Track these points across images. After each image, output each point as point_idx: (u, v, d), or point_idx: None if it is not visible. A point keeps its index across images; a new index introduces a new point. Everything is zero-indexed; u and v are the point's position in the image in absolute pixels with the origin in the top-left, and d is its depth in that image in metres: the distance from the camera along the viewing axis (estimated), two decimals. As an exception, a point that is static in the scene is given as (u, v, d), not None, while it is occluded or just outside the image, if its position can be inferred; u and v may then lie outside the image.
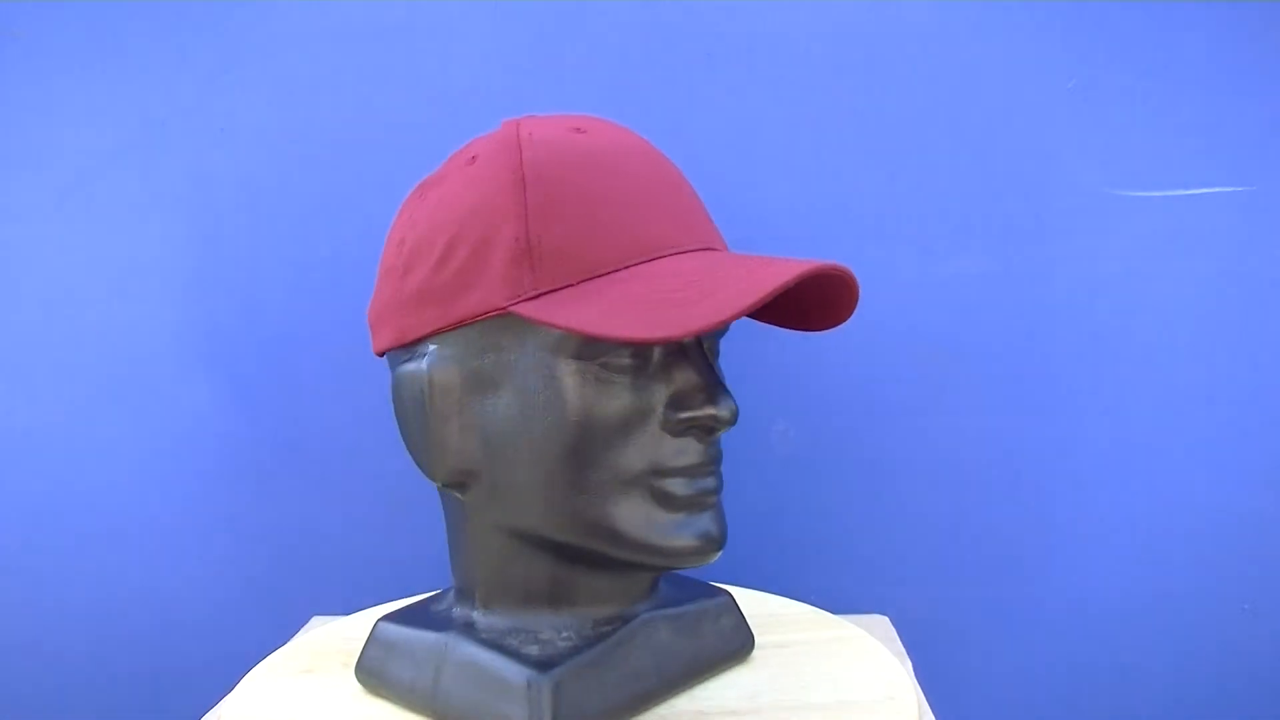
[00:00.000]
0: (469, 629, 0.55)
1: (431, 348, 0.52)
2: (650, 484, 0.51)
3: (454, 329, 0.51)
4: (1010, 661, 0.84)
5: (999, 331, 0.81)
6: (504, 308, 0.49)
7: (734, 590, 0.73)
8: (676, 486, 0.51)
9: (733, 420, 0.50)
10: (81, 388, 0.84)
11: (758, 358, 0.80)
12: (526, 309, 0.48)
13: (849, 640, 0.66)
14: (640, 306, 0.46)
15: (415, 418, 0.53)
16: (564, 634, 0.54)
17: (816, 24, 0.79)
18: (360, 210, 0.81)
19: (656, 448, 0.51)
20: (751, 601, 0.70)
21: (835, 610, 0.71)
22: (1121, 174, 0.79)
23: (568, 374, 0.50)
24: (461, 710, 0.52)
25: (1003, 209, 0.80)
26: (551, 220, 0.49)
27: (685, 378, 0.51)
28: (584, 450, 0.50)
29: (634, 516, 0.51)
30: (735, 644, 0.61)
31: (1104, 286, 0.80)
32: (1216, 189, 0.79)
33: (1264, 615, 0.83)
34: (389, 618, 0.59)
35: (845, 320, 0.53)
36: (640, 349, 0.50)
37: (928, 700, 0.62)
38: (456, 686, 0.53)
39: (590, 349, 0.49)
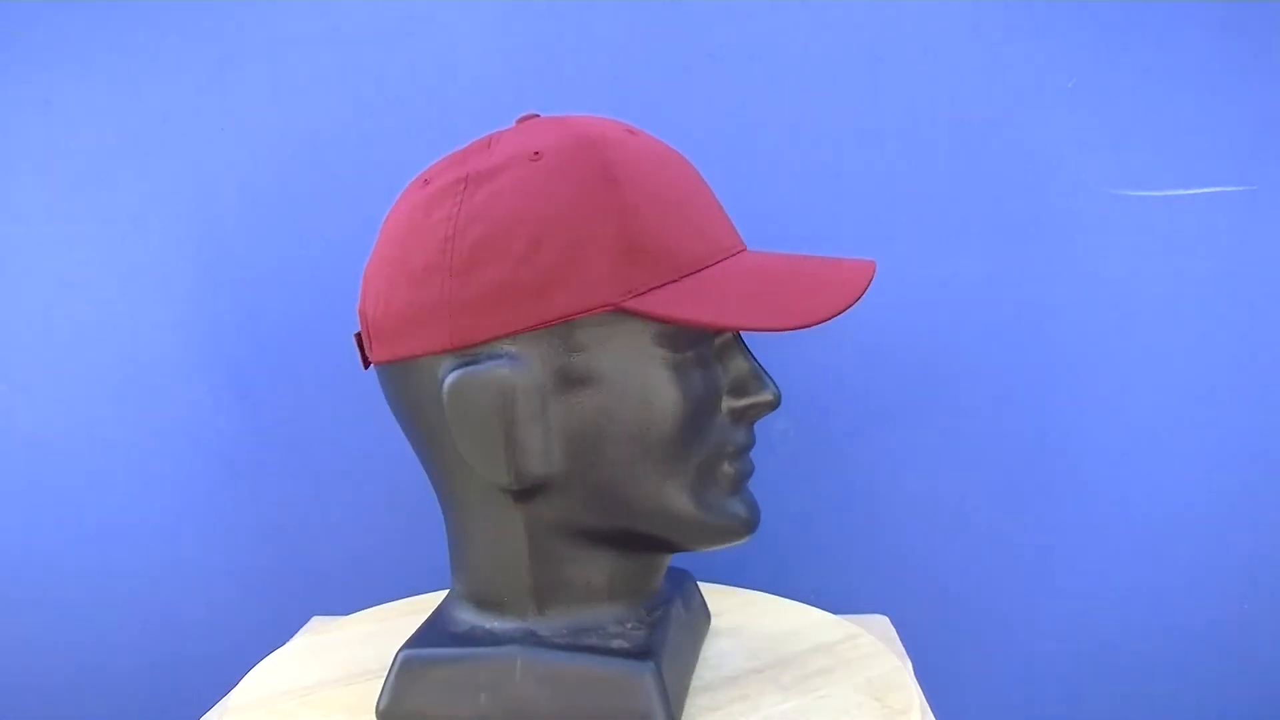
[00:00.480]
0: (532, 637, 0.54)
1: (508, 348, 0.50)
2: (719, 467, 0.54)
3: (537, 328, 0.50)
4: (1010, 661, 0.84)
5: (999, 331, 0.81)
6: (616, 304, 0.49)
7: (732, 590, 0.73)
8: (728, 468, 0.54)
9: (779, 404, 0.54)
10: (81, 388, 0.84)
11: (757, 358, 0.80)
12: (640, 304, 0.49)
13: (764, 603, 0.71)
14: (762, 299, 0.50)
15: (486, 423, 0.51)
16: (629, 624, 0.55)
17: (817, 24, 0.79)
18: (360, 210, 0.81)
19: (721, 432, 0.54)
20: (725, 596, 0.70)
21: (835, 610, 0.71)
22: (1121, 174, 0.79)
23: (663, 367, 0.51)
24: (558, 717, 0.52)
25: (1003, 209, 0.80)
26: (651, 218, 0.51)
27: (740, 366, 0.55)
28: (676, 439, 0.52)
29: (710, 499, 0.54)
30: (705, 618, 0.65)
31: (1104, 286, 0.80)
32: (1216, 189, 0.79)
33: (1263, 615, 0.83)
34: (415, 645, 0.55)
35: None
36: (705, 340, 0.53)
37: (928, 700, 0.62)
38: (544, 698, 0.52)
39: (678, 341, 0.51)
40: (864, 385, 0.82)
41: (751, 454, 0.56)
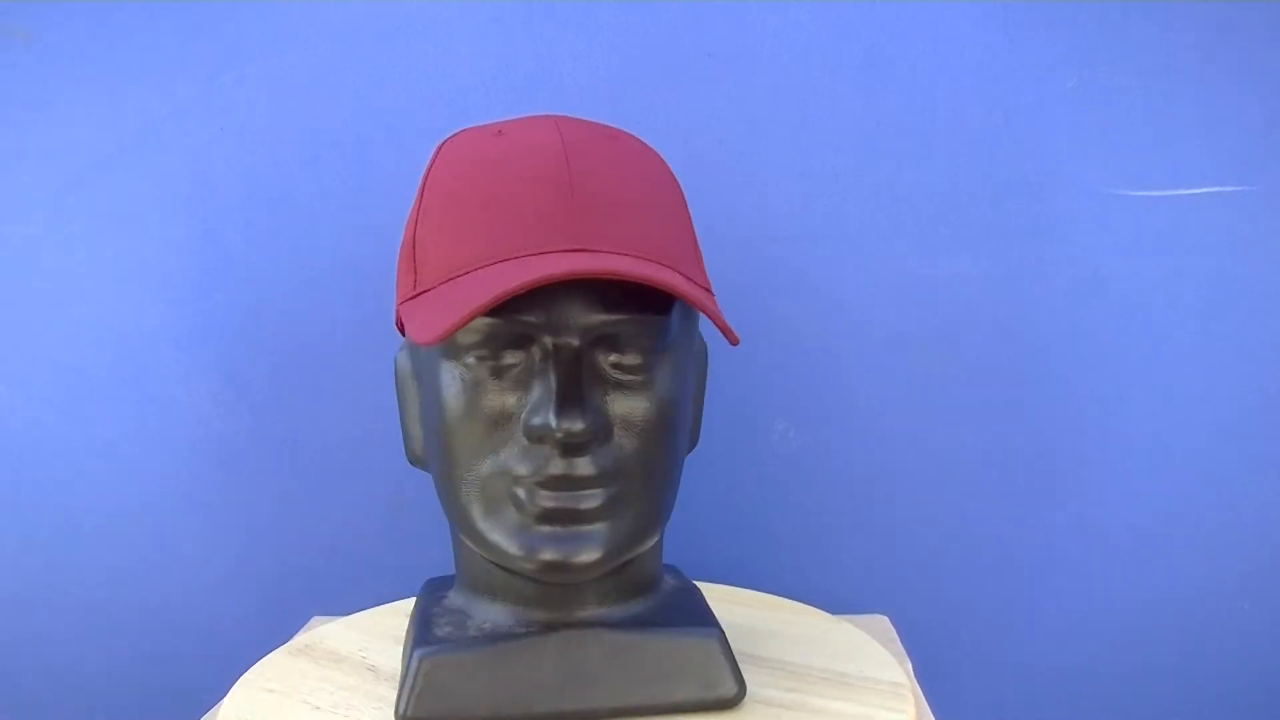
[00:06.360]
0: (436, 603, 0.58)
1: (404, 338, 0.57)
2: (511, 490, 0.50)
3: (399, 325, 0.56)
4: (1010, 661, 0.84)
5: (999, 331, 0.81)
6: (395, 308, 0.54)
7: (731, 590, 0.73)
8: (527, 496, 0.50)
9: (576, 437, 0.48)
10: (81, 388, 0.84)
11: (758, 358, 0.80)
12: (402, 309, 0.52)
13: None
14: (446, 308, 0.46)
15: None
16: (484, 624, 0.55)
17: (817, 24, 0.79)
18: (360, 210, 0.81)
19: (516, 454, 0.50)
20: (787, 622, 0.70)
21: (835, 610, 0.71)
22: (1121, 174, 0.79)
23: (446, 371, 0.51)
24: (399, 674, 0.56)
25: (1003, 209, 0.80)
26: (428, 225, 0.52)
27: (543, 385, 0.49)
28: (454, 445, 0.51)
29: (494, 520, 0.51)
30: (708, 689, 0.54)
31: (1104, 286, 0.80)
32: (1216, 189, 0.79)
33: (1263, 615, 0.83)
34: (430, 580, 0.63)
35: (728, 338, 0.49)
36: (519, 350, 0.50)
37: (927, 700, 0.62)
38: (404, 651, 0.57)
39: (455, 347, 0.50)
40: (864, 386, 0.82)
41: (594, 491, 0.50)
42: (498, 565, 0.54)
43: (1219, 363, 0.80)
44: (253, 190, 0.82)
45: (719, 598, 0.70)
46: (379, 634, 0.67)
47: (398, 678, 0.58)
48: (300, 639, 0.67)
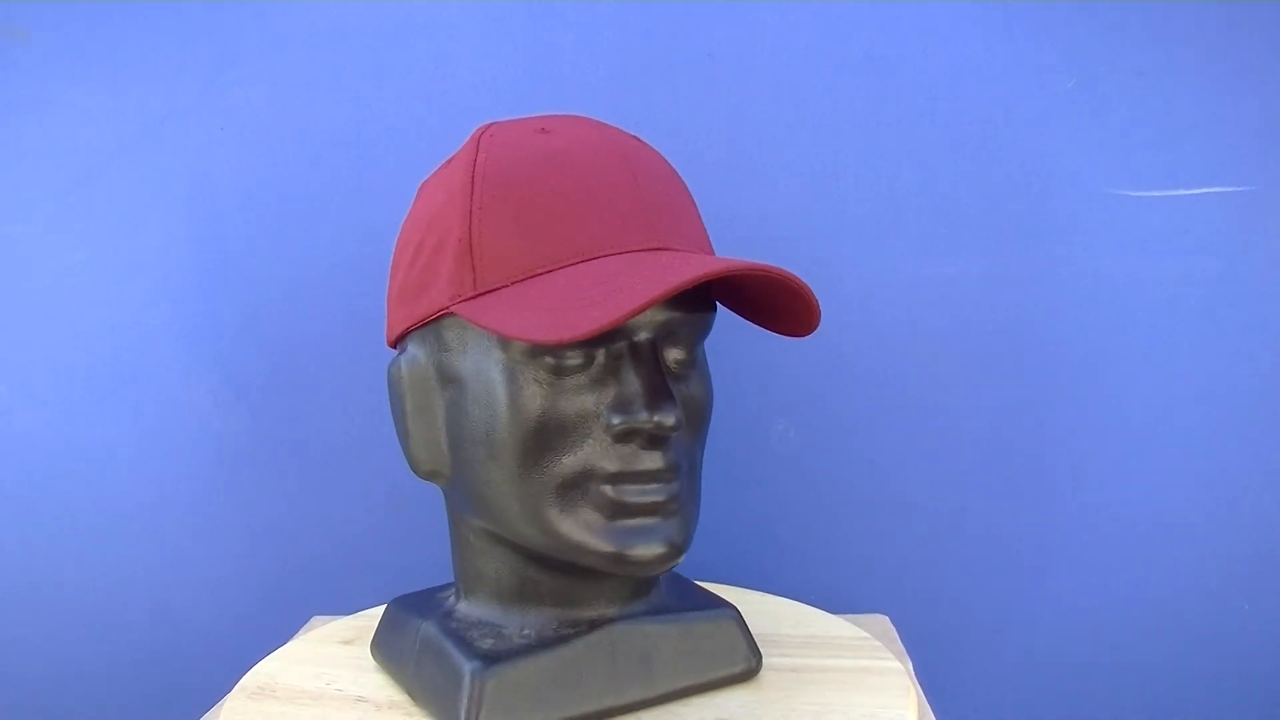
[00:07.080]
0: (446, 617, 0.57)
1: (408, 344, 0.55)
2: (590, 488, 0.50)
3: (420, 327, 0.54)
4: (1010, 661, 0.84)
5: (999, 331, 0.81)
6: (446, 307, 0.51)
7: (733, 590, 0.73)
8: (614, 492, 0.50)
9: (670, 429, 0.48)
10: (81, 388, 0.84)
11: (758, 357, 0.80)
12: (463, 309, 0.50)
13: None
14: (551, 308, 0.46)
15: (395, 411, 0.56)
16: (525, 631, 0.54)
17: (817, 23, 0.79)
18: (360, 210, 0.81)
19: (596, 451, 0.50)
20: (755, 606, 0.70)
21: (835, 610, 0.71)
22: (1121, 174, 0.79)
23: (505, 373, 0.50)
24: (426, 693, 0.55)
25: (1003, 209, 0.80)
26: (491, 222, 0.50)
27: (628, 381, 0.50)
28: (521, 448, 0.50)
29: (572, 519, 0.50)
30: (734, 664, 0.57)
31: (1104, 286, 0.80)
32: (1216, 189, 0.79)
33: (1263, 615, 0.83)
34: (399, 599, 0.62)
35: (811, 329, 0.52)
36: (587, 349, 0.50)
37: (928, 700, 0.62)
38: (424, 670, 0.55)
39: (525, 349, 0.49)
40: (864, 385, 0.82)
41: (676, 481, 0.50)
42: (534, 569, 0.54)
43: (1219, 362, 0.80)
44: (253, 190, 0.82)
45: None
46: (333, 664, 0.64)
47: (401, 704, 0.57)
48: (248, 681, 0.62)
